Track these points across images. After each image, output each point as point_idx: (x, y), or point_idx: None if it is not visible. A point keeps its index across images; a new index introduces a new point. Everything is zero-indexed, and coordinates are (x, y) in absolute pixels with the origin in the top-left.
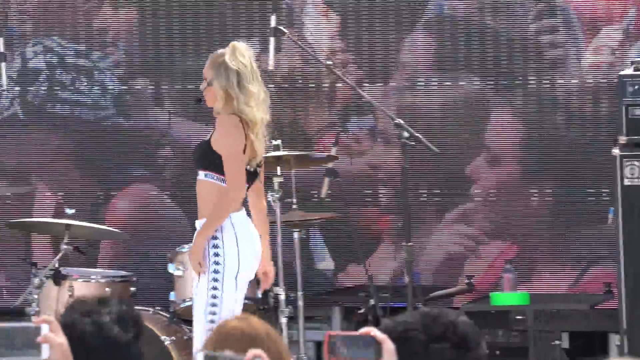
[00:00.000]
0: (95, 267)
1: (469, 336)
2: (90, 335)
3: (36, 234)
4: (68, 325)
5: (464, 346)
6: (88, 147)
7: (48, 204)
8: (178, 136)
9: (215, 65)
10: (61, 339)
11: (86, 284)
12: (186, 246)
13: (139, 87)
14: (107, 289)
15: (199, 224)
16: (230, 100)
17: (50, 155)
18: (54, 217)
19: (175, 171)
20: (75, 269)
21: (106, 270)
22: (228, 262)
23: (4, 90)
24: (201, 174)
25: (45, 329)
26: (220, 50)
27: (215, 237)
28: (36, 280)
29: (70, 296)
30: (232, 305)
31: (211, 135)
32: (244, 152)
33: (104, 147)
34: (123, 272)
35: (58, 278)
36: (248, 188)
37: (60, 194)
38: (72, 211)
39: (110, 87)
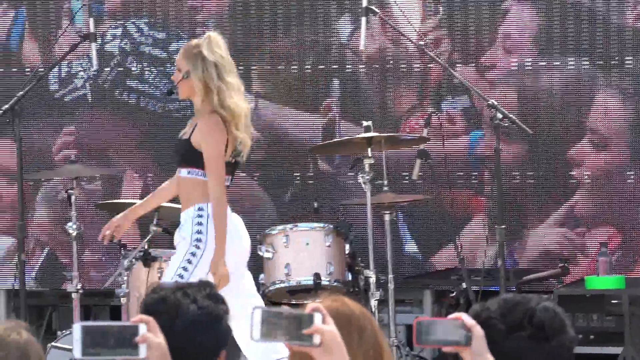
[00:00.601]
0: None
1: (547, 325)
2: (187, 310)
3: None
4: (157, 302)
5: (541, 336)
6: (174, 129)
7: (135, 185)
8: (265, 119)
9: (191, 56)
10: (159, 338)
11: None
12: (277, 228)
13: None
14: None
15: (184, 215)
16: (209, 93)
17: (136, 137)
18: (141, 198)
19: (261, 154)
20: (164, 250)
21: None
22: (208, 247)
23: (95, 72)
24: (183, 172)
25: (143, 328)
26: (194, 41)
27: (199, 223)
28: (126, 262)
29: (160, 278)
30: None
31: (191, 134)
32: (225, 150)
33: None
34: None
35: (148, 259)
36: (231, 180)
37: (149, 175)
38: None
39: None
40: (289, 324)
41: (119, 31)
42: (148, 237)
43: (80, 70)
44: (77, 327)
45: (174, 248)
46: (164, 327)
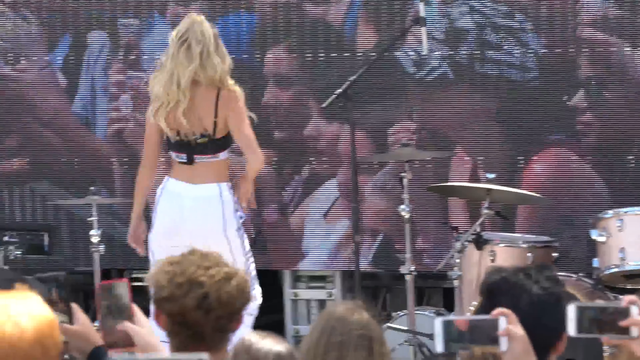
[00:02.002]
0: (513, 232)
1: None
2: (530, 290)
3: (454, 198)
4: (500, 282)
5: None
6: (512, 109)
7: (464, 168)
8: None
9: None
10: (521, 331)
11: (508, 248)
12: (610, 212)
13: (559, 50)
14: (528, 254)
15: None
16: None
17: (473, 118)
18: (470, 181)
19: (594, 138)
20: (496, 233)
21: (528, 236)
22: (154, 223)
23: (424, 56)
24: None
25: (503, 321)
26: None
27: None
28: (458, 245)
29: (492, 261)
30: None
31: None
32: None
33: (526, 110)
34: (545, 238)
35: (480, 242)
36: (186, 157)
37: (479, 158)
38: (493, 176)
39: (535, 48)
40: (606, 318)
41: (465, 8)
42: (480, 220)
43: (436, 51)
44: (438, 322)
45: (507, 231)
46: (507, 307)
